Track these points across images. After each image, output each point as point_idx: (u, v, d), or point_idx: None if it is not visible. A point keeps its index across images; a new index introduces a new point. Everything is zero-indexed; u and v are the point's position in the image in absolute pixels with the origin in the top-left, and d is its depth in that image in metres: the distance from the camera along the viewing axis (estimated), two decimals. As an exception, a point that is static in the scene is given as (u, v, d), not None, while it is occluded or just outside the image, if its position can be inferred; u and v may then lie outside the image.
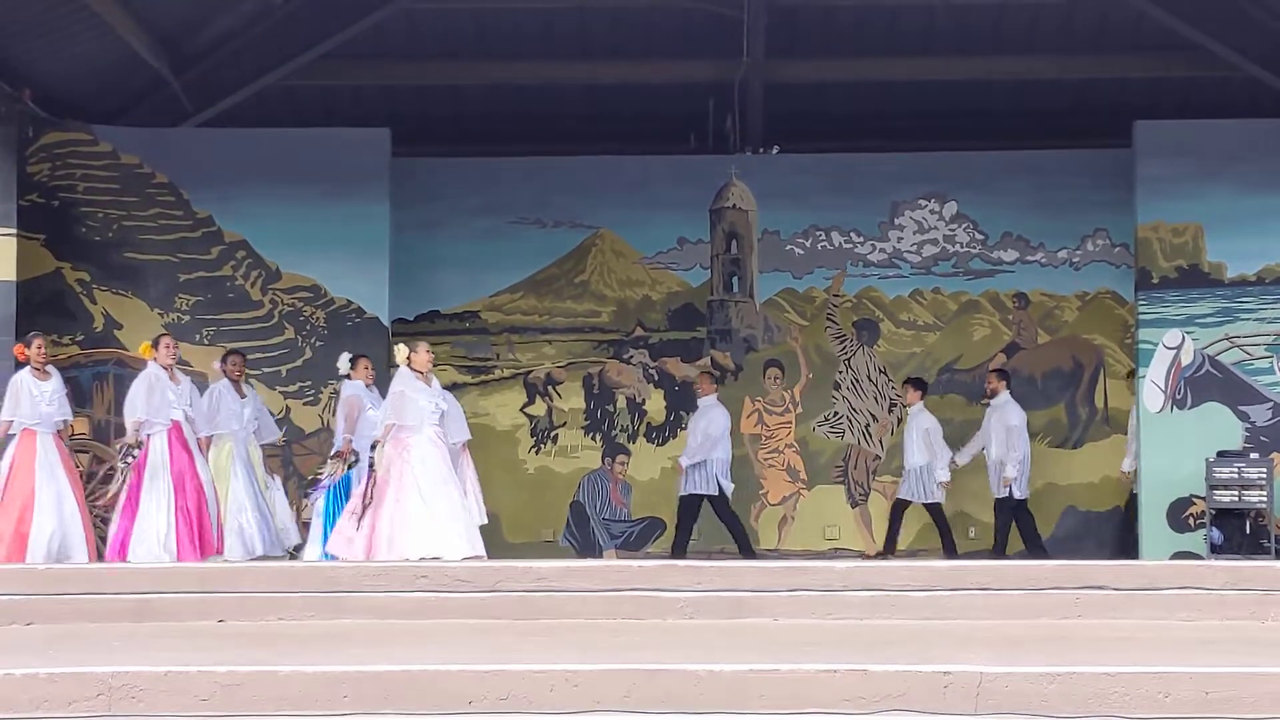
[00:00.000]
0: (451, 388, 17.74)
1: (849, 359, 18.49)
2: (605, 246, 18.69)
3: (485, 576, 11.21)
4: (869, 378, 18.38)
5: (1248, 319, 17.20)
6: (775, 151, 18.75)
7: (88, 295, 17.31)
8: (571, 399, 18.52)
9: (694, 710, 7.52)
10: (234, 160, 17.28)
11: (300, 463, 17.17)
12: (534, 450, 18.45)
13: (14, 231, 16.25)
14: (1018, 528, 17.00)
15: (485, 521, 14.44)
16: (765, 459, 18.37)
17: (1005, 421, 17.01)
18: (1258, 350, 17.20)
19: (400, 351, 14.14)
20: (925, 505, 17.23)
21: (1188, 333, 17.16)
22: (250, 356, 16.37)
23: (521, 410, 18.52)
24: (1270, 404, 17.08)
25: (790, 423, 18.41)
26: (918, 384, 17.54)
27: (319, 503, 14.82)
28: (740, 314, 18.57)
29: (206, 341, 17.30)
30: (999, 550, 16.90)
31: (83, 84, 17.17)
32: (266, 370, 16.92)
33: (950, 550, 17.01)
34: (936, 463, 17.09)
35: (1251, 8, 17.07)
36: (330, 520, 14.44)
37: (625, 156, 18.57)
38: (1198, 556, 16.04)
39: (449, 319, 18.50)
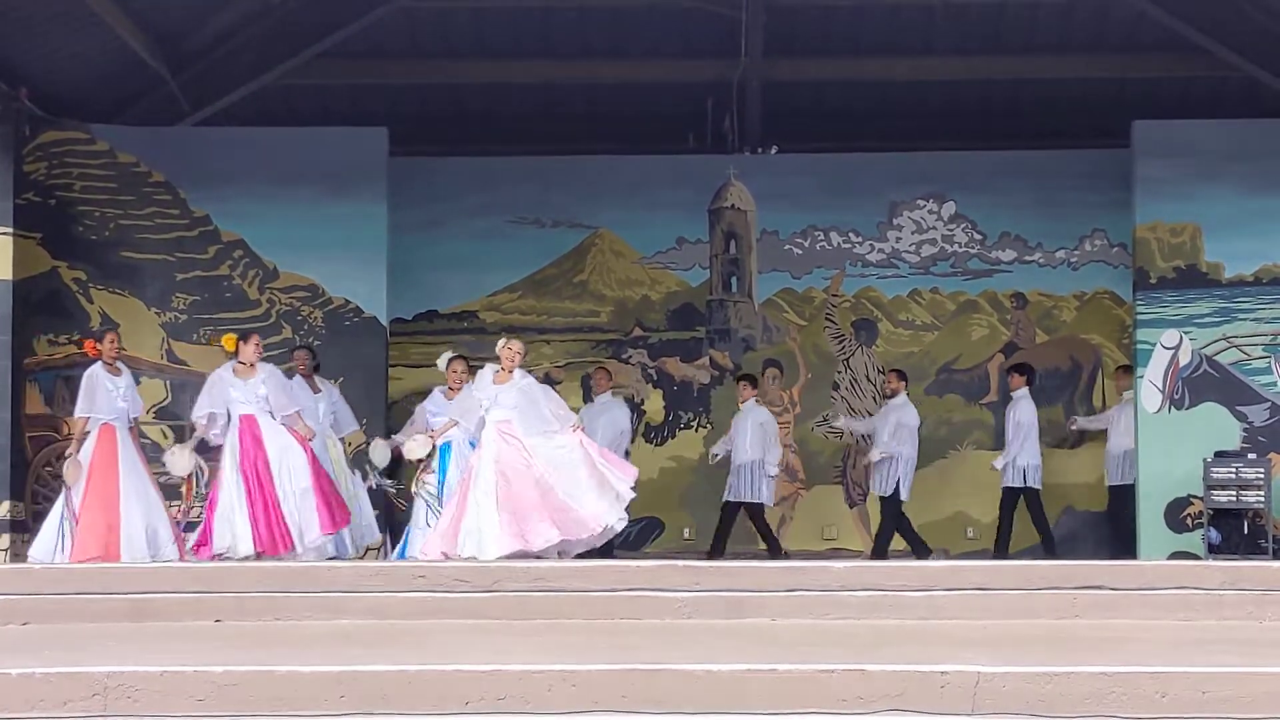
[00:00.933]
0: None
1: (847, 359, 18.49)
2: (604, 246, 18.69)
3: (483, 576, 11.20)
4: (867, 378, 18.38)
5: (1245, 319, 17.19)
6: (774, 151, 18.75)
7: (84, 294, 17.28)
8: (570, 399, 18.45)
9: (692, 710, 7.52)
10: (231, 159, 17.26)
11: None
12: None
13: (10, 230, 16.21)
14: (899, 528, 16.98)
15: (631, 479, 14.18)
16: (763, 459, 18.33)
17: (902, 421, 16.93)
18: (1255, 350, 17.19)
19: (499, 344, 14.16)
20: (747, 504, 17.00)
21: (1185, 333, 17.15)
22: (248, 356, 16.32)
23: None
24: (1268, 404, 17.07)
25: (789, 423, 18.39)
26: (750, 380, 17.33)
27: (416, 506, 14.60)
28: (739, 314, 18.56)
29: (204, 341, 17.26)
30: (878, 551, 16.92)
31: (80, 83, 17.15)
32: (264, 370, 16.88)
33: (775, 551, 16.80)
34: (768, 458, 16.85)
35: (1250, 8, 17.06)
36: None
37: (624, 156, 18.56)
38: (1195, 557, 16.03)
39: (447, 319, 18.48)
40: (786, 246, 18.54)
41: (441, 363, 14.93)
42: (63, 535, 14.00)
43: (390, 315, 17.53)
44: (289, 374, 15.34)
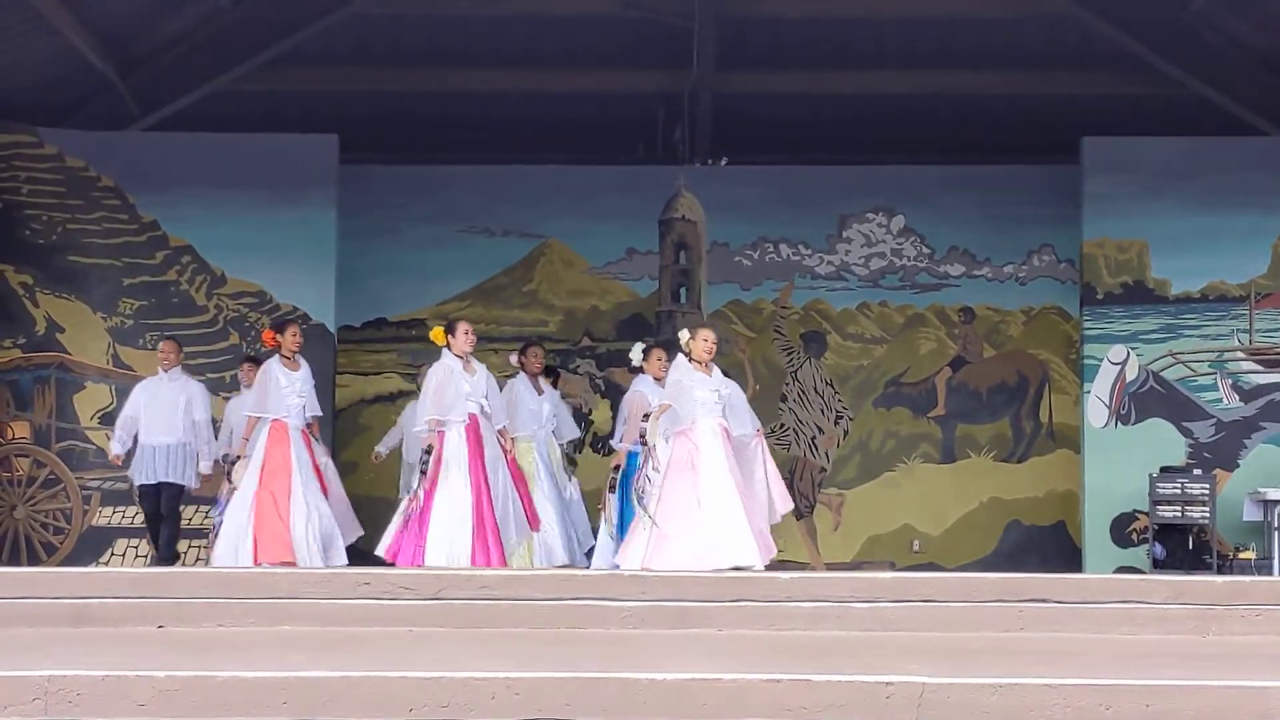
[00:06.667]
0: (397, 395, 17.73)
1: (796, 371, 18.51)
2: (554, 256, 18.67)
3: (428, 584, 11.15)
4: (816, 390, 18.40)
5: (1191, 335, 17.32)
6: (724, 163, 18.77)
7: (30, 298, 17.20)
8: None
9: (635, 718, 7.50)
10: (180, 164, 17.20)
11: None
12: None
13: (-44, 233, 16.16)
14: None
15: (786, 510, 13.37)
16: (711, 470, 18.30)
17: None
18: (1201, 367, 17.31)
19: (681, 337, 13.14)
20: None
21: (1132, 349, 17.26)
22: (194, 362, 16.29)
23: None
24: (1213, 420, 17.18)
25: (736, 434, 18.35)
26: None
27: (611, 509, 13.84)
28: (688, 325, 18.52)
29: (150, 346, 17.17)
30: None
31: (27, 85, 17.06)
32: (211, 376, 16.78)
33: None
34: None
35: (1200, 26, 17.18)
36: (624, 527, 13.37)
37: (574, 166, 18.56)
38: (1140, 571, 16.12)
39: (395, 326, 18.42)
40: (736, 258, 18.56)
41: (637, 355, 14.12)
42: (240, 537, 13.40)
43: (338, 322, 17.49)
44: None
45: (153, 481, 14.83)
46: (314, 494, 13.50)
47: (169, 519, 14.86)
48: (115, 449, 14.86)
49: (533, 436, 14.56)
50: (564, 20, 17.68)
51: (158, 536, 15.00)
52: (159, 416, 14.81)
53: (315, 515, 13.39)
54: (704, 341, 13.02)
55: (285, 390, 13.58)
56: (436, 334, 13.56)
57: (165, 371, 15.00)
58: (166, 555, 14.85)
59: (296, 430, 13.59)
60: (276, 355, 13.77)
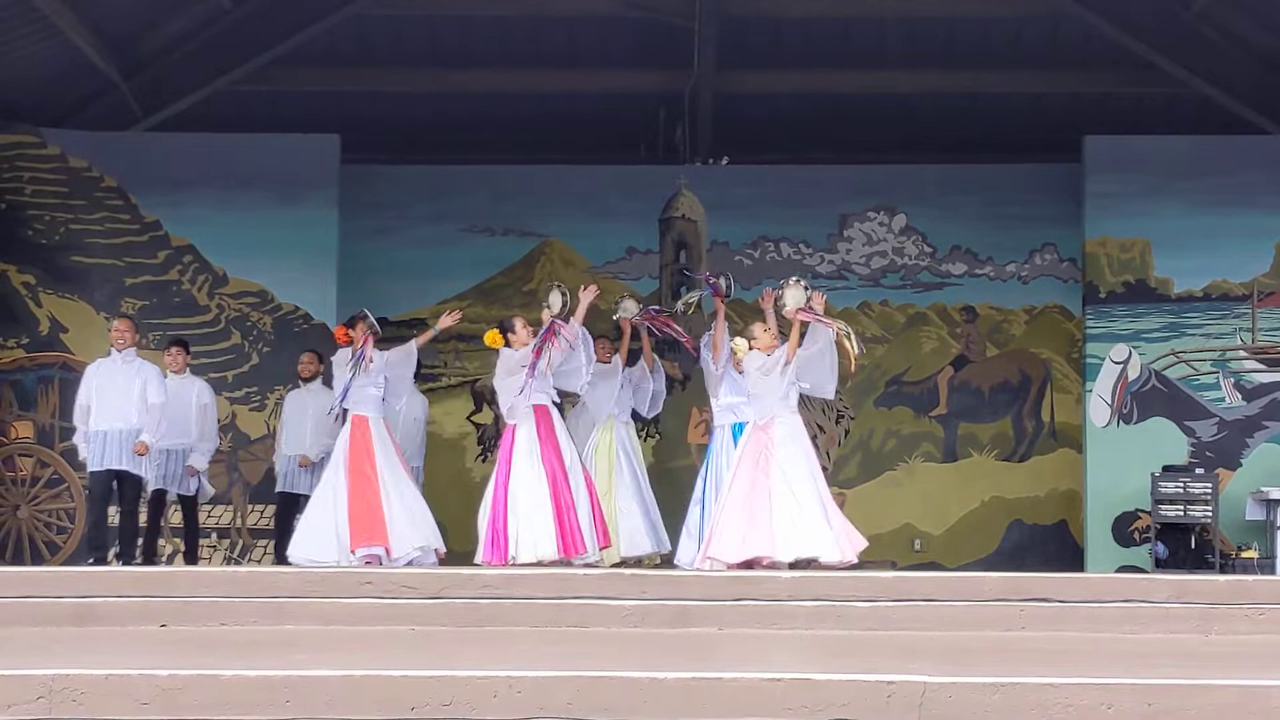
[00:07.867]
0: (399, 395, 17.69)
1: (797, 370, 18.48)
2: (554, 255, 18.67)
3: (430, 583, 11.17)
4: (816, 389, 18.35)
5: (1194, 334, 17.33)
6: (725, 162, 18.76)
7: (33, 298, 17.21)
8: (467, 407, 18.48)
9: (637, 717, 7.51)
10: (183, 165, 17.22)
11: (246, 469, 17.10)
12: (480, 459, 18.39)
13: (-41, 233, 16.17)
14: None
15: None
16: (712, 469, 18.30)
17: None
18: (1204, 366, 17.31)
19: (740, 345, 13.31)
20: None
21: (1134, 347, 17.26)
22: (196, 362, 16.28)
23: (468, 418, 18.48)
24: (1215, 419, 17.18)
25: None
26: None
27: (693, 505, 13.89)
28: (688, 324, 18.52)
29: (153, 346, 17.17)
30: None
31: (30, 86, 17.07)
32: (213, 375, 16.79)
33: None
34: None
35: (1202, 25, 17.19)
36: (704, 521, 13.43)
37: (575, 166, 18.55)
38: (1142, 571, 16.12)
39: (396, 326, 18.36)
40: (737, 257, 18.55)
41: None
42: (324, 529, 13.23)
43: (339, 322, 17.44)
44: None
45: (103, 468, 13.65)
46: (402, 482, 13.45)
47: (127, 514, 13.85)
48: (81, 446, 13.85)
49: (612, 420, 14.54)
50: (565, 20, 17.69)
51: (101, 528, 13.89)
52: (111, 400, 13.71)
53: (401, 502, 13.33)
54: (764, 332, 13.24)
55: (360, 383, 13.50)
56: (493, 337, 13.68)
57: (119, 352, 13.91)
58: (127, 553, 13.94)
59: (377, 422, 13.54)
60: (346, 349, 13.65)
